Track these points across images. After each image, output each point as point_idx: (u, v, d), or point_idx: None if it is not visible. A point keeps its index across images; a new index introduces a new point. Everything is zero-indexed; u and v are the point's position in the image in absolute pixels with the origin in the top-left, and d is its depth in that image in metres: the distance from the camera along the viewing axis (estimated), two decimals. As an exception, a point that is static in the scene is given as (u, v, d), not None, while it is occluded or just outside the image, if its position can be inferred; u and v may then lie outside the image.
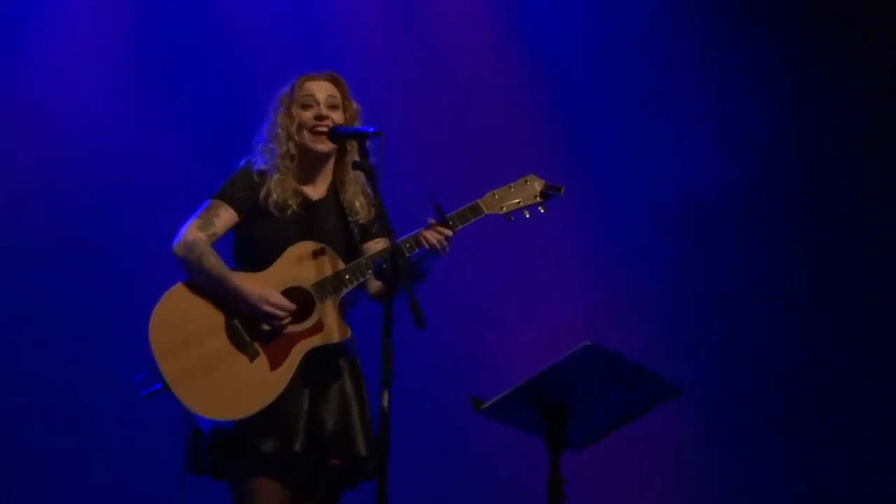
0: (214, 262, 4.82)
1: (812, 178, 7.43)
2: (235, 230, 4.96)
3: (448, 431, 6.98)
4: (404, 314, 4.40)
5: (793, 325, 7.34)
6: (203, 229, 4.85)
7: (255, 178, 4.95)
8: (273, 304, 4.76)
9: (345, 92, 5.03)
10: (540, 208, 4.97)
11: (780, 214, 7.41)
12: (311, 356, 4.82)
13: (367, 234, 5.03)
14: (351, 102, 5.02)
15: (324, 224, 4.97)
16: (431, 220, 4.84)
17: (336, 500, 4.97)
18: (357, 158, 4.77)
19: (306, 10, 7.25)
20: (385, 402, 4.28)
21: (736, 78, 7.44)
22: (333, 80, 5.03)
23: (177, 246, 4.83)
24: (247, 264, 4.91)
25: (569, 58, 7.42)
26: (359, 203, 5.01)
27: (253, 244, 4.94)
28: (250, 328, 4.80)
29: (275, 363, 4.78)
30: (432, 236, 4.81)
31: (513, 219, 4.96)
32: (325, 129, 4.92)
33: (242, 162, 5.02)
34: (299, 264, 4.84)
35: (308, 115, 4.96)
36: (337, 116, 4.96)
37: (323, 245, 4.88)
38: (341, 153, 5.03)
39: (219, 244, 4.88)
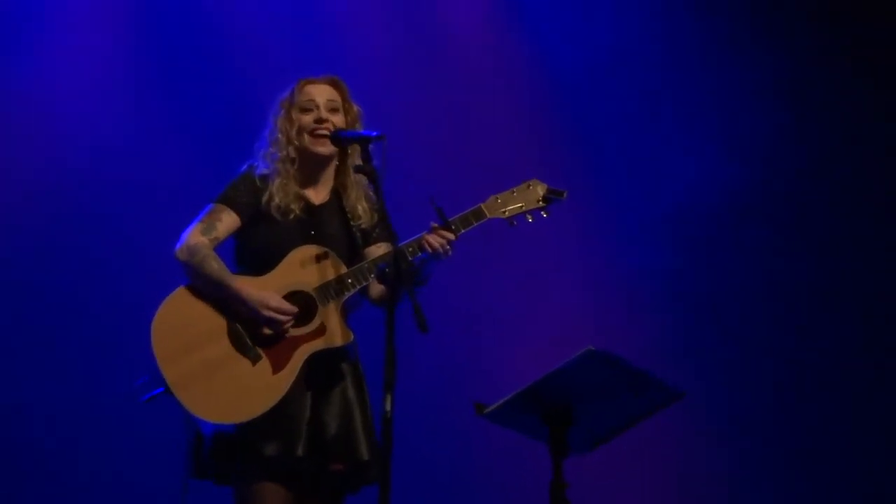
0: (216, 266, 4.81)
1: (816, 181, 7.42)
2: (237, 234, 4.95)
3: (451, 436, 6.97)
4: (407, 318, 4.40)
5: (798, 329, 7.33)
6: (205, 233, 4.84)
7: (258, 182, 4.95)
8: (274, 309, 4.75)
9: (345, 95, 5.01)
10: (542, 213, 4.97)
11: (784, 217, 7.41)
12: (313, 360, 4.81)
13: (369, 238, 5.02)
14: (352, 105, 5.01)
15: (326, 228, 4.96)
16: (434, 224, 4.83)
17: (338, 506, 4.95)
18: (359, 162, 4.76)
19: (306, 10, 7.24)
20: (388, 407, 4.28)
21: (739, 79, 7.43)
22: (333, 84, 5.02)
23: (179, 250, 4.83)
24: (249, 269, 4.90)
25: (571, 60, 7.41)
26: (361, 207, 5.01)
27: (255, 248, 4.93)
28: (252, 332, 4.79)
29: (277, 367, 4.77)
30: (435, 240, 4.80)
31: (515, 223, 4.96)
32: (325, 132, 4.92)
33: (244, 166, 5.02)
34: (302, 268, 4.84)
35: (308, 119, 4.95)
36: (338, 120, 4.96)
37: (326, 249, 4.87)
38: (343, 157, 5.02)
39: (221, 249, 4.88)
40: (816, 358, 7.25)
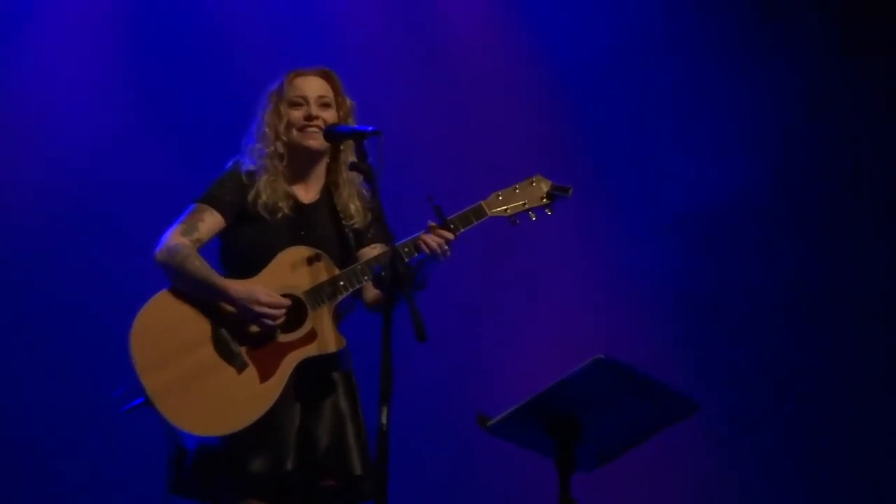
0: (199, 264, 4.66)
1: (824, 181, 7.35)
2: (222, 236, 4.80)
3: (451, 450, 6.91)
4: (404, 324, 4.24)
5: (807, 333, 7.26)
6: (187, 234, 4.71)
7: (244, 178, 4.80)
8: (265, 304, 4.58)
9: (338, 88, 4.87)
10: (546, 211, 4.79)
11: (800, 219, 7.35)
12: (303, 369, 4.66)
13: (362, 239, 4.87)
14: (345, 99, 4.87)
15: (317, 228, 4.81)
16: (431, 223, 4.66)
17: (331, 523, 4.83)
18: (354, 159, 4.63)
19: (306, 7, 7.21)
20: (384, 420, 4.12)
21: (753, 76, 7.35)
22: (326, 76, 4.88)
23: (158, 252, 4.70)
24: (235, 271, 4.74)
25: (577, 53, 7.34)
26: (354, 207, 4.86)
27: (241, 250, 4.77)
28: (239, 337, 4.64)
29: (265, 375, 4.60)
30: (432, 240, 4.63)
31: (518, 222, 4.79)
32: (315, 129, 4.77)
33: (230, 163, 4.87)
34: (292, 270, 4.69)
35: (297, 115, 4.81)
36: (329, 116, 4.81)
37: (318, 251, 4.73)
38: (335, 153, 4.88)
39: (205, 252, 4.73)
40: (828, 362, 7.19)
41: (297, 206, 4.81)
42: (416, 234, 4.65)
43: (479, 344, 7.14)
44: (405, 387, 4.33)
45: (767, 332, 7.25)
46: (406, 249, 4.63)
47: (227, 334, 4.62)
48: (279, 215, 4.74)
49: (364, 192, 4.83)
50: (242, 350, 4.61)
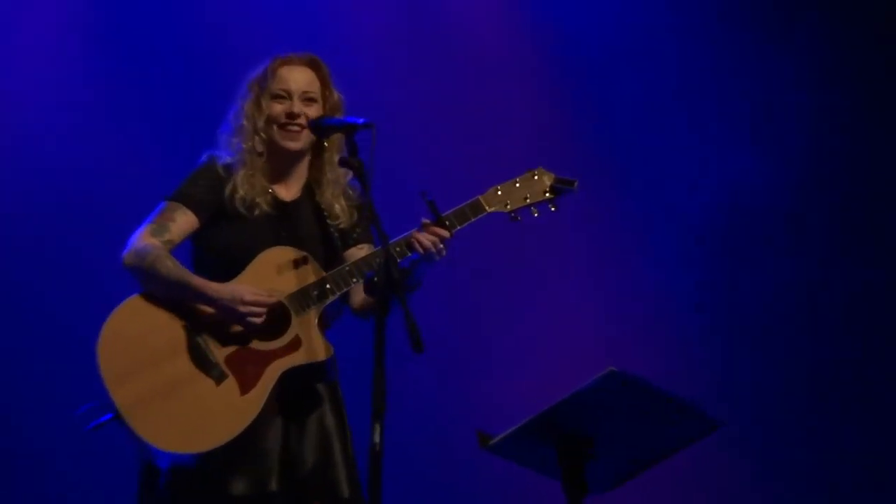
0: (172, 265, 4.44)
1: (855, 185, 7.18)
2: (196, 237, 4.57)
3: (449, 471, 6.81)
4: (398, 332, 4.02)
5: (829, 341, 7.12)
6: (157, 235, 4.49)
7: (221, 171, 4.57)
8: (251, 303, 4.36)
9: (325, 80, 4.64)
10: (550, 206, 4.59)
11: (821, 224, 7.20)
12: (286, 380, 4.43)
13: (348, 240, 4.65)
14: (332, 92, 4.65)
15: (300, 228, 4.60)
16: (425, 220, 4.44)
17: (317, 549, 4.66)
18: (344, 154, 4.42)
19: None
20: (377, 438, 3.91)
21: (772, 74, 7.20)
22: (314, 66, 4.63)
23: (126, 255, 4.49)
24: (211, 275, 4.48)
25: (586, 42, 7.21)
26: (339, 206, 4.64)
27: (218, 249, 4.54)
28: (217, 345, 4.41)
29: (245, 387, 4.37)
30: (426, 239, 4.41)
31: (519, 218, 4.58)
32: (297, 127, 4.55)
33: (203, 157, 4.61)
34: (275, 273, 4.46)
35: (279, 110, 4.58)
36: (313, 112, 4.58)
37: (304, 253, 4.49)
38: (319, 149, 4.63)
39: (177, 254, 4.49)
40: (850, 372, 7.05)
41: (278, 203, 4.60)
42: (408, 232, 4.45)
43: (481, 355, 7.05)
44: (399, 401, 4.12)
45: (793, 343, 7.11)
46: (398, 248, 4.44)
47: (205, 342, 4.40)
48: (257, 212, 4.53)
49: (349, 190, 4.63)
50: (221, 359, 4.38)
